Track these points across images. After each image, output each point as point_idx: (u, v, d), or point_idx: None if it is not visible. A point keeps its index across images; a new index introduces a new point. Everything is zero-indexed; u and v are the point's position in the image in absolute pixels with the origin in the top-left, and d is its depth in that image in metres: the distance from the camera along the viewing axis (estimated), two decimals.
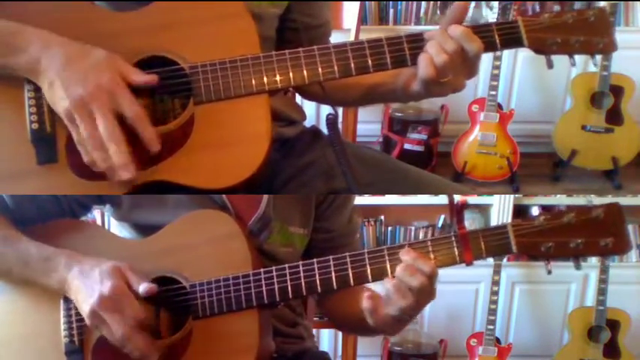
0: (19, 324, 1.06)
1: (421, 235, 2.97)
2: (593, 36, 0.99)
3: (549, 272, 0.97)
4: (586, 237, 0.94)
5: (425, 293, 0.95)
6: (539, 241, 0.95)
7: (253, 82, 0.97)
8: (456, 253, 0.96)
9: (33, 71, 0.92)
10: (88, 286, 0.96)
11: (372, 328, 1.03)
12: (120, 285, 0.95)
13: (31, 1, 0.96)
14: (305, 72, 0.98)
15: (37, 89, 0.94)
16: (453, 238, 0.97)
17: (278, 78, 0.98)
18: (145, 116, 0.92)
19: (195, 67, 0.97)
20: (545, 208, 2.97)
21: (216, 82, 0.96)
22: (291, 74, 0.98)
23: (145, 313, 0.96)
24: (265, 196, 1.12)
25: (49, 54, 0.91)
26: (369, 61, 0.99)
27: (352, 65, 0.99)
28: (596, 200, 2.92)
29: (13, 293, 1.07)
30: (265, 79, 0.97)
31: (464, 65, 0.98)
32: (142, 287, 0.95)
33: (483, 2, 3.24)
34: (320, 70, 0.98)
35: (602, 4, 3.09)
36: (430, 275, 0.93)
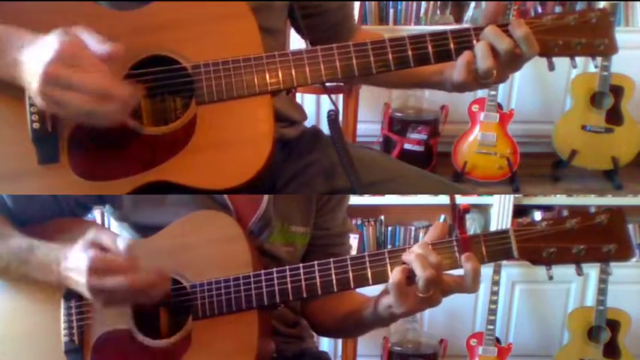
0: (20, 322, 1.06)
1: (421, 235, 2.97)
2: (594, 38, 0.99)
3: (550, 278, 0.96)
4: (588, 243, 0.94)
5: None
6: (541, 247, 0.95)
7: (256, 82, 0.97)
8: (457, 257, 0.96)
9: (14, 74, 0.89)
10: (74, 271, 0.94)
11: (366, 324, 1.05)
12: (95, 252, 0.92)
13: (31, 1, 0.96)
14: (308, 72, 0.98)
15: None
16: (455, 243, 0.96)
17: (281, 78, 0.97)
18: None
19: (198, 66, 0.96)
20: (545, 209, 2.97)
21: (218, 82, 0.96)
22: (293, 74, 0.98)
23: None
24: (265, 196, 1.12)
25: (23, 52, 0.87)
26: (372, 62, 0.99)
27: (355, 66, 0.99)
28: (597, 200, 2.94)
29: (14, 291, 1.07)
30: (268, 79, 0.97)
31: (514, 63, 0.99)
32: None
33: (483, 2, 3.25)
34: (323, 70, 0.98)
35: (602, 4, 3.09)
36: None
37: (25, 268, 1.01)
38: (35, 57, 0.86)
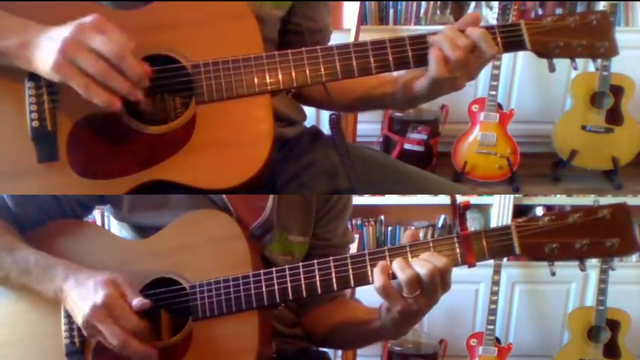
0: (21, 325, 1.06)
1: (421, 235, 2.96)
2: (595, 40, 1.00)
3: (553, 274, 0.94)
4: (591, 238, 0.92)
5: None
6: (544, 242, 0.93)
7: (255, 81, 0.97)
8: (458, 254, 0.95)
9: None
10: (82, 297, 0.96)
11: (370, 333, 1.04)
12: (113, 295, 0.94)
13: (32, 1, 0.96)
14: (308, 72, 0.98)
15: (38, 86, 0.94)
16: (455, 239, 0.96)
17: (280, 78, 0.97)
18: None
19: (198, 65, 0.96)
20: (545, 209, 2.97)
21: (218, 82, 0.96)
22: (293, 74, 0.98)
23: (140, 322, 0.95)
24: (270, 202, 1.10)
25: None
26: (372, 62, 0.99)
27: (355, 66, 0.98)
28: (599, 200, 2.94)
29: (14, 295, 1.06)
30: (268, 79, 0.97)
31: (473, 65, 0.99)
32: (136, 302, 0.95)
33: (483, 2, 3.25)
34: (322, 70, 0.98)
35: (602, 4, 3.09)
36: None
37: (25, 278, 1.02)
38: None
